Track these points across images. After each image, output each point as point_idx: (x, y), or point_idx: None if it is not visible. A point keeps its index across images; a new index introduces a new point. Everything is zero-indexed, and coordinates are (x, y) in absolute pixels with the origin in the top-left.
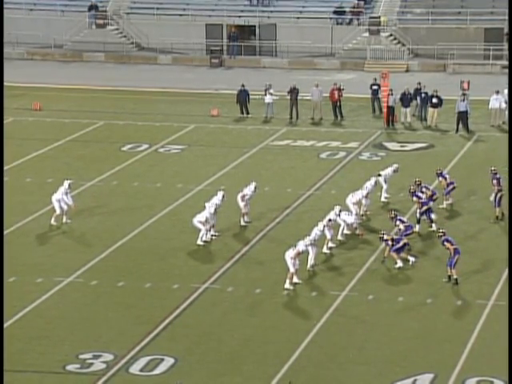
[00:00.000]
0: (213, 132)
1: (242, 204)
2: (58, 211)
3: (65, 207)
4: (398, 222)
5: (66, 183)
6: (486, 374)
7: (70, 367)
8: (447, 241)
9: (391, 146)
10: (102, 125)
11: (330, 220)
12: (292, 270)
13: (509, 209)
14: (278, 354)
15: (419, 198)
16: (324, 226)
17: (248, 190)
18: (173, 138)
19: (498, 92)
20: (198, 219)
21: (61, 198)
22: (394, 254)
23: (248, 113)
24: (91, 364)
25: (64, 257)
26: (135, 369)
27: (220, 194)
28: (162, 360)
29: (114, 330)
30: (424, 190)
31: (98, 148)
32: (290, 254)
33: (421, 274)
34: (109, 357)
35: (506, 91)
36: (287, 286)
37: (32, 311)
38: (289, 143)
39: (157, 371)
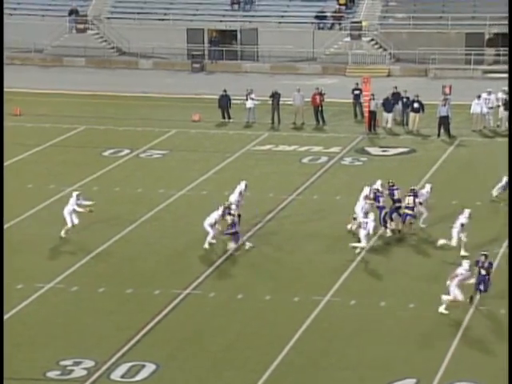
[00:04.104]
0: (194, 137)
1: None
2: (69, 225)
3: (76, 221)
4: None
5: (74, 194)
6: (468, 379)
7: (50, 374)
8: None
9: (373, 150)
10: (83, 130)
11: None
12: None
13: (509, 209)
14: (260, 360)
15: (378, 201)
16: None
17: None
18: (154, 143)
19: (479, 97)
20: (209, 222)
21: (72, 211)
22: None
23: (230, 118)
24: (72, 371)
25: (45, 263)
26: (116, 375)
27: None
28: (144, 366)
29: (95, 336)
30: (395, 192)
31: (78, 153)
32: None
33: (403, 279)
34: (90, 363)
35: (484, 95)
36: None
37: (12, 317)
38: (271, 148)
39: (138, 377)
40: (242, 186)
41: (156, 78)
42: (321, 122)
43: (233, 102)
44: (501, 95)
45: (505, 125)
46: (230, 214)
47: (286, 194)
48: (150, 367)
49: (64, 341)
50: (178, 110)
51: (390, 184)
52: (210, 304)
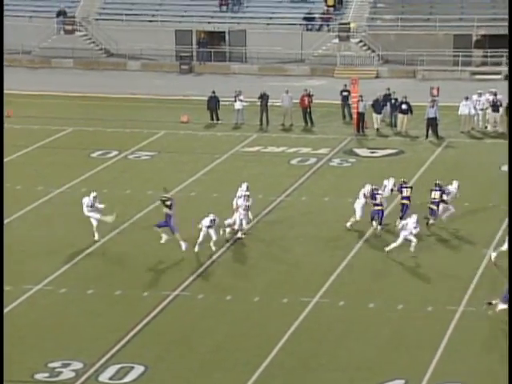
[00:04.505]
0: (183, 138)
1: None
2: (94, 223)
3: (94, 223)
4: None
5: (91, 195)
6: (457, 380)
7: (38, 376)
8: None
9: (361, 152)
10: (71, 131)
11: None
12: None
13: (509, 209)
14: (249, 361)
15: (374, 199)
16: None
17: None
18: (143, 144)
19: (467, 98)
20: (228, 221)
21: (90, 213)
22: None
23: (218, 119)
24: (60, 372)
25: (33, 264)
26: (105, 377)
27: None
28: (132, 368)
29: (84, 338)
30: (377, 195)
31: (66, 155)
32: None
33: (391, 280)
34: (78, 365)
35: (474, 97)
36: None
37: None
38: (259, 149)
39: (127, 379)
40: (243, 187)
41: (144, 79)
42: (309, 124)
43: (221, 103)
44: (488, 97)
45: (493, 126)
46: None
47: (274, 196)
48: (138, 369)
49: (52, 343)
50: (166, 112)
51: (402, 182)
52: (199, 305)
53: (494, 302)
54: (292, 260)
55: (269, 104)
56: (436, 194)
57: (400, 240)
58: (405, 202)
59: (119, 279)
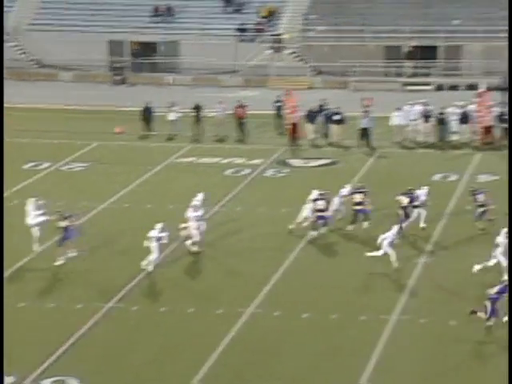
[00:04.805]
0: (116, 149)
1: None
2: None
3: (36, 233)
4: None
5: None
6: None
7: None
8: None
9: (295, 162)
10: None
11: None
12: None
13: (509, 211)
14: (184, 373)
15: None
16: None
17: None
18: (76, 155)
19: (399, 109)
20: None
21: (37, 220)
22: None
23: (152, 130)
24: None
25: None
26: None
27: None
28: (66, 381)
29: (16, 352)
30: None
31: None
32: None
33: (325, 289)
34: (10, 379)
35: (406, 108)
36: None
37: None
38: (193, 160)
39: None
40: (199, 197)
41: (77, 90)
42: (243, 135)
43: (155, 114)
44: (419, 107)
45: (424, 136)
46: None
47: (209, 206)
48: (72, 382)
49: None
50: (99, 123)
51: (356, 187)
52: (133, 317)
53: (478, 313)
54: (227, 270)
55: (203, 115)
56: (404, 200)
57: (382, 252)
58: (357, 207)
59: (52, 292)
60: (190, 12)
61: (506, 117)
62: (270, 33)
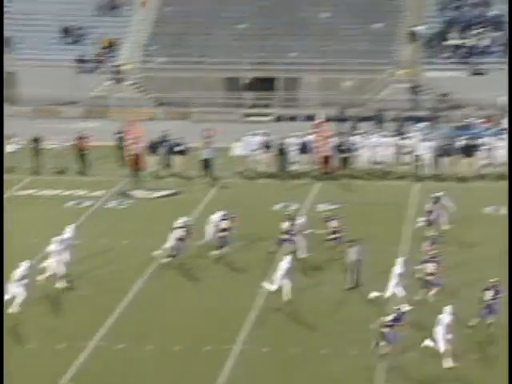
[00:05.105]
0: None
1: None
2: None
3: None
4: None
5: None
6: None
7: None
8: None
9: (137, 193)
10: None
11: None
12: None
13: (508, 214)
14: None
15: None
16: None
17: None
18: None
19: (239, 139)
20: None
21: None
22: None
23: None
24: None
25: None
26: None
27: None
28: None
29: None
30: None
31: None
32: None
33: (168, 320)
34: None
35: (246, 138)
36: None
37: None
38: (33, 193)
39: None
40: (71, 229)
41: None
42: (84, 166)
43: None
44: (260, 138)
45: (265, 166)
46: None
47: (49, 240)
48: None
49: None
50: None
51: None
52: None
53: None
54: (70, 303)
55: (42, 146)
56: (286, 225)
57: (276, 283)
58: (223, 234)
59: None
60: (27, 42)
61: (344, 147)
62: (110, 64)
